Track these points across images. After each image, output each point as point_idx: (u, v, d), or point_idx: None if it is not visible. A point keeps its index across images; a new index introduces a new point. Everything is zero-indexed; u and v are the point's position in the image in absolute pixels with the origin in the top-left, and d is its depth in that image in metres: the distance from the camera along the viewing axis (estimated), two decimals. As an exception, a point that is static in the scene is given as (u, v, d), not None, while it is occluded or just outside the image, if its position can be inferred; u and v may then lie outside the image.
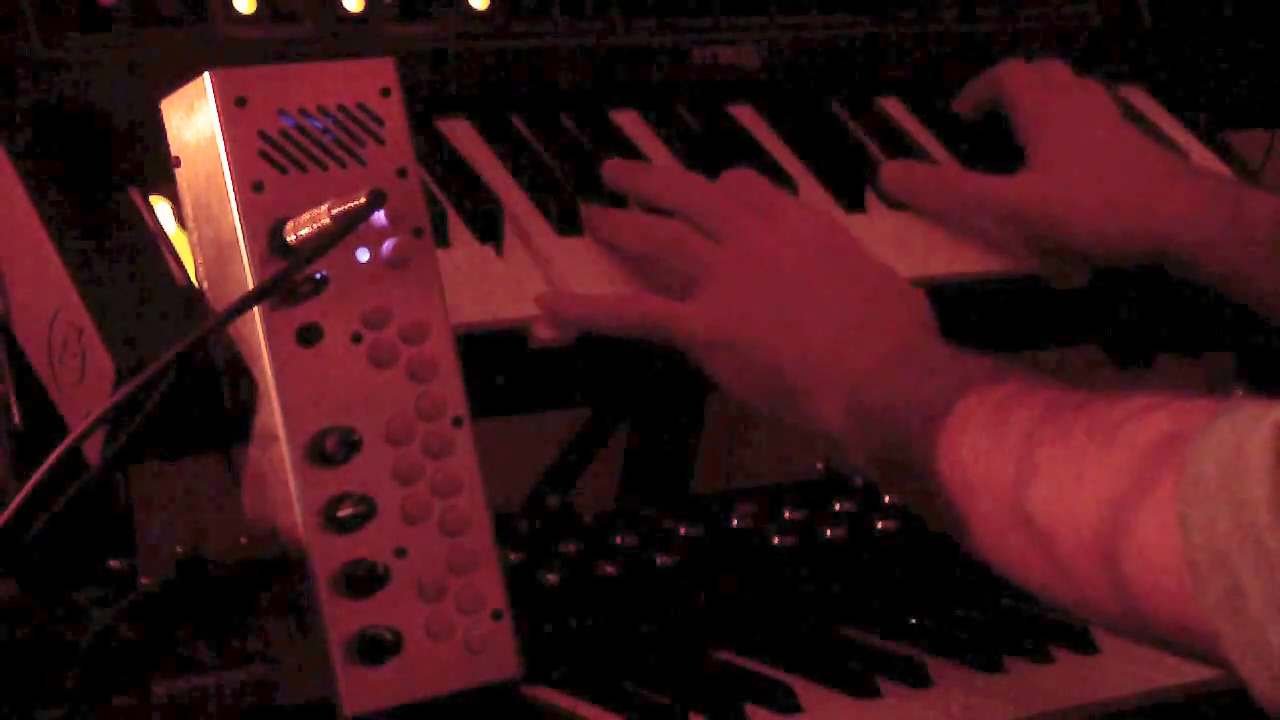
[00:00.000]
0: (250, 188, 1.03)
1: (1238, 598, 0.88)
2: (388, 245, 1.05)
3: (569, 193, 1.29)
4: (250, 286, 1.02)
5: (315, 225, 1.01)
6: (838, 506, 1.37)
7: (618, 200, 1.29)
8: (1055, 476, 1.00)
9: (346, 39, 1.27)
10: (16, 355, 1.17)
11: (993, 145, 1.45)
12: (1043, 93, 1.41)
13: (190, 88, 1.04)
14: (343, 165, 1.05)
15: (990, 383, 1.07)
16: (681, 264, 1.21)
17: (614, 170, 1.29)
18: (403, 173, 1.06)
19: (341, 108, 1.05)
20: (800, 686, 1.19)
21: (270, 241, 1.03)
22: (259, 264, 1.02)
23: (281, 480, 1.03)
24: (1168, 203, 1.34)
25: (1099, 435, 0.98)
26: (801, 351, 1.15)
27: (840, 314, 1.16)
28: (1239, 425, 0.90)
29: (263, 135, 1.03)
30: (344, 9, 1.28)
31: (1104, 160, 1.36)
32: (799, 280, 1.18)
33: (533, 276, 1.24)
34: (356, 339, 1.04)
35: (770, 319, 1.17)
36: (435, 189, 1.25)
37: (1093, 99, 1.42)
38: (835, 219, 1.29)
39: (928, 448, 1.07)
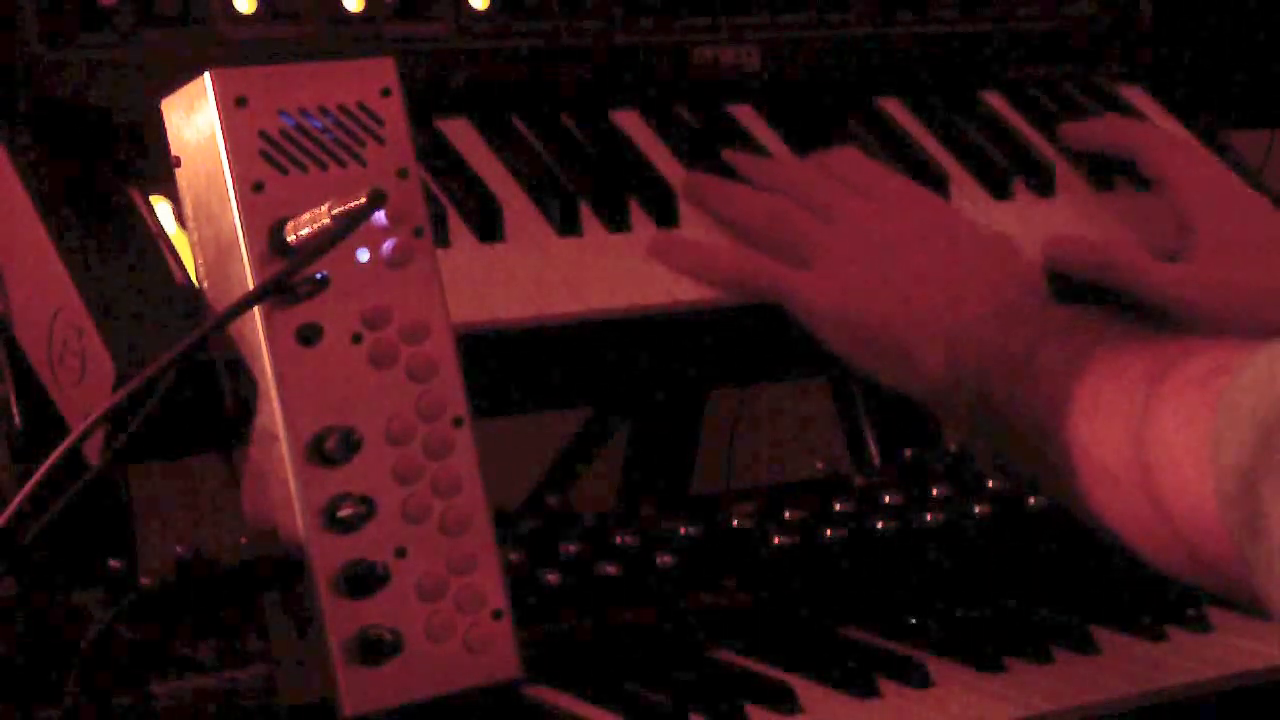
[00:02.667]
0: (250, 188, 1.03)
1: (1260, 520, 0.89)
2: (388, 245, 1.05)
3: (569, 193, 1.29)
4: (250, 286, 1.02)
5: (315, 225, 1.01)
6: (838, 506, 1.37)
7: (619, 200, 1.29)
8: (1114, 418, 1.03)
9: (346, 39, 1.28)
10: (16, 355, 1.17)
11: (991, 149, 1.45)
12: (1202, 173, 1.39)
13: (190, 88, 1.04)
14: (343, 165, 1.05)
15: (1066, 331, 1.11)
16: (793, 239, 1.25)
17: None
18: (403, 173, 1.06)
19: (342, 108, 1.05)
20: (800, 686, 1.19)
21: (270, 241, 1.03)
22: (259, 264, 1.02)
23: (281, 480, 1.02)
24: None
25: (1154, 372, 1.01)
26: (906, 312, 1.20)
27: (942, 277, 1.21)
28: (1275, 355, 0.92)
29: (263, 135, 1.03)
30: (344, 9, 1.28)
31: (1267, 254, 1.34)
32: (904, 251, 1.22)
33: (533, 277, 1.24)
34: (357, 339, 1.04)
35: (879, 289, 1.21)
36: (435, 189, 1.25)
37: (1249, 191, 1.40)
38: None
39: (1012, 399, 1.11)
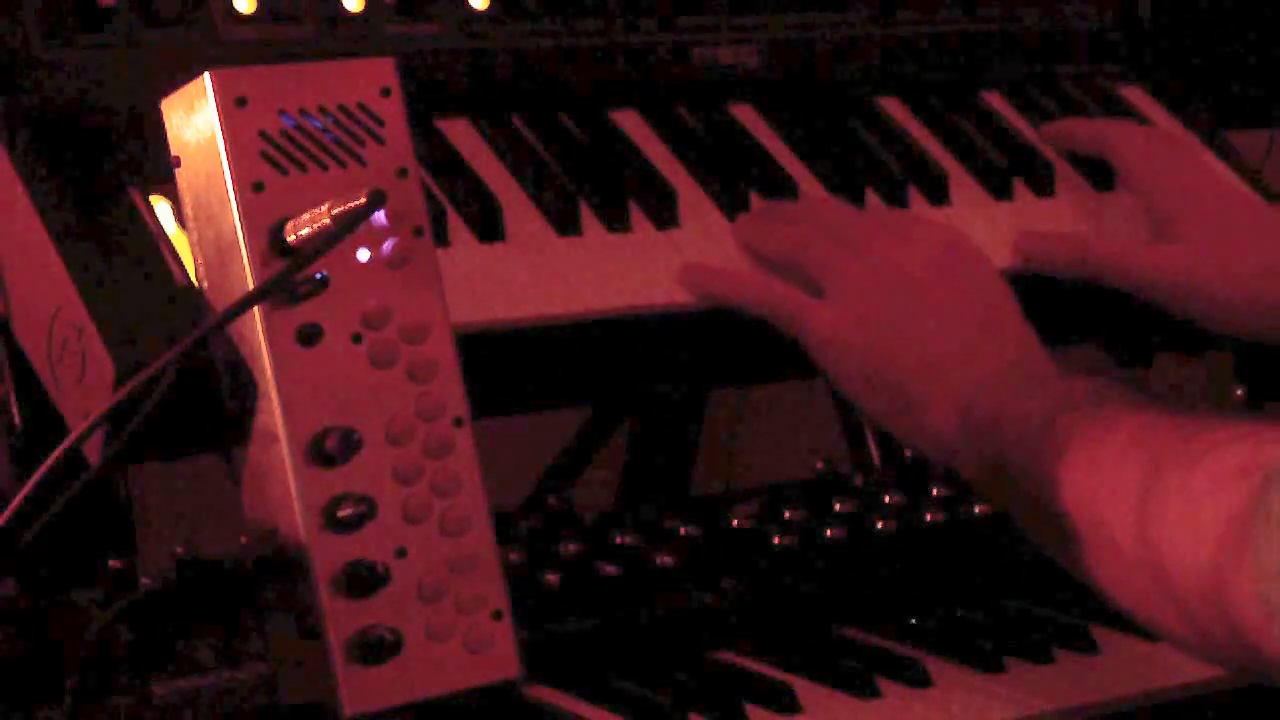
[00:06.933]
0: (250, 188, 1.03)
1: None
2: (388, 245, 1.05)
3: (569, 193, 1.29)
4: (250, 286, 1.02)
5: (315, 225, 1.01)
6: (838, 506, 1.37)
7: (619, 200, 1.29)
8: (1146, 510, 1.02)
9: (346, 39, 1.28)
10: (16, 355, 1.17)
11: (991, 149, 1.45)
12: (1177, 170, 1.39)
13: (190, 88, 1.04)
14: (343, 165, 1.05)
15: (1086, 406, 1.10)
16: (813, 268, 1.24)
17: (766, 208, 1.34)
18: (403, 173, 1.06)
19: (342, 108, 1.05)
20: (800, 686, 1.19)
21: (270, 241, 1.03)
22: (259, 264, 1.02)
23: (281, 480, 1.02)
24: None
25: (1184, 467, 1.00)
26: (916, 363, 1.19)
27: (958, 328, 1.20)
28: None
29: (263, 135, 1.03)
30: (344, 9, 1.28)
31: (1243, 239, 1.35)
32: (920, 291, 1.21)
33: (533, 277, 1.24)
34: (356, 339, 1.04)
35: (892, 326, 1.20)
36: (435, 189, 1.25)
37: (1219, 171, 1.41)
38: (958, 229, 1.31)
39: (1026, 469, 1.10)
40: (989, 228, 1.39)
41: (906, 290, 1.21)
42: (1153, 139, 1.43)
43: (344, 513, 1.02)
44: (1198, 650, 1.04)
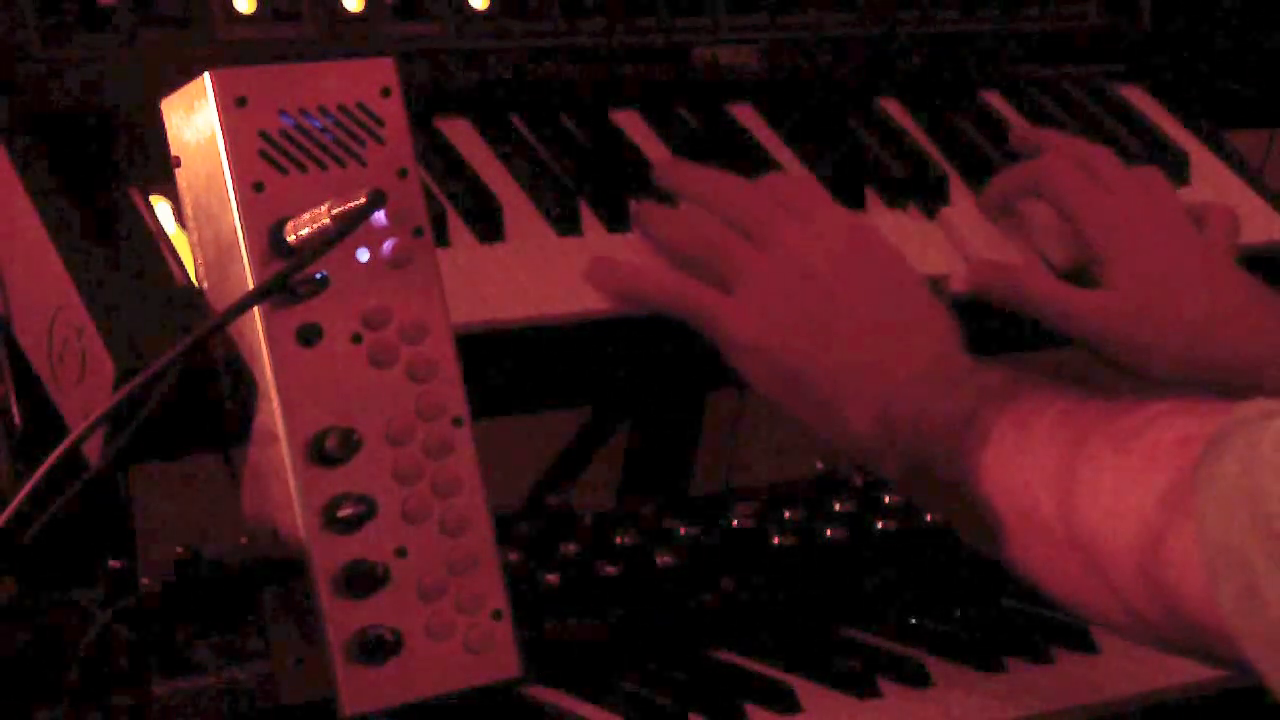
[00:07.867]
0: (250, 188, 1.03)
1: (1254, 596, 0.89)
2: (388, 245, 1.05)
3: (569, 193, 1.29)
4: (250, 286, 1.02)
5: (315, 225, 1.01)
6: (838, 506, 1.37)
7: (616, 199, 1.29)
8: (1076, 488, 1.01)
9: (346, 39, 1.28)
10: (16, 355, 1.17)
11: (990, 149, 1.45)
12: (1109, 203, 1.33)
13: (190, 88, 1.04)
14: (343, 165, 1.05)
15: (1007, 396, 1.08)
16: (721, 266, 1.20)
17: (663, 170, 1.30)
18: (403, 173, 1.06)
19: (342, 108, 1.05)
20: (800, 686, 1.19)
21: (270, 241, 1.03)
22: (259, 264, 1.02)
23: (281, 480, 1.03)
24: (1248, 333, 1.29)
25: (1117, 443, 0.99)
26: (833, 366, 1.16)
27: (872, 329, 1.17)
28: (1252, 423, 0.91)
29: (263, 135, 1.03)
30: (344, 9, 1.28)
31: (1181, 284, 1.31)
32: (833, 290, 1.18)
33: (532, 277, 1.24)
34: (356, 339, 1.04)
35: (804, 329, 1.17)
36: (435, 189, 1.25)
37: (1160, 204, 1.34)
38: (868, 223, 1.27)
39: (950, 463, 1.09)
40: (990, 228, 1.39)
41: (817, 290, 1.18)
42: (1082, 171, 1.35)
43: (344, 513, 1.02)
44: (1128, 632, 1.02)
